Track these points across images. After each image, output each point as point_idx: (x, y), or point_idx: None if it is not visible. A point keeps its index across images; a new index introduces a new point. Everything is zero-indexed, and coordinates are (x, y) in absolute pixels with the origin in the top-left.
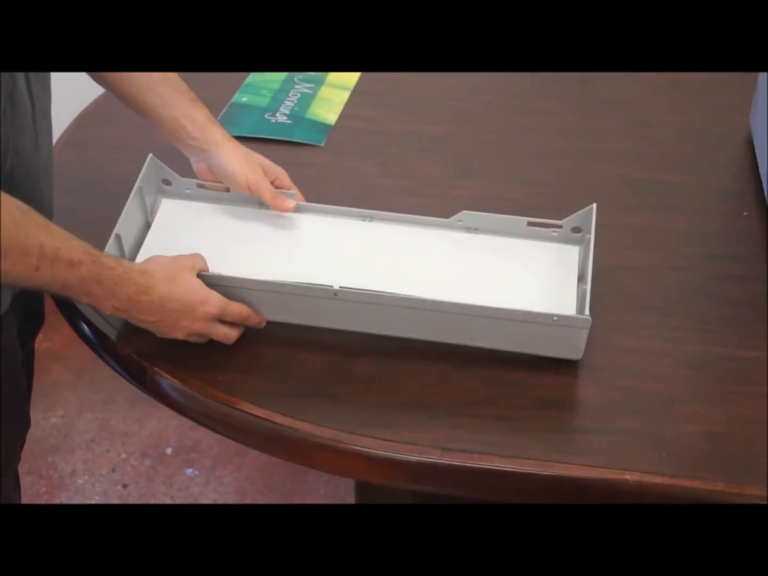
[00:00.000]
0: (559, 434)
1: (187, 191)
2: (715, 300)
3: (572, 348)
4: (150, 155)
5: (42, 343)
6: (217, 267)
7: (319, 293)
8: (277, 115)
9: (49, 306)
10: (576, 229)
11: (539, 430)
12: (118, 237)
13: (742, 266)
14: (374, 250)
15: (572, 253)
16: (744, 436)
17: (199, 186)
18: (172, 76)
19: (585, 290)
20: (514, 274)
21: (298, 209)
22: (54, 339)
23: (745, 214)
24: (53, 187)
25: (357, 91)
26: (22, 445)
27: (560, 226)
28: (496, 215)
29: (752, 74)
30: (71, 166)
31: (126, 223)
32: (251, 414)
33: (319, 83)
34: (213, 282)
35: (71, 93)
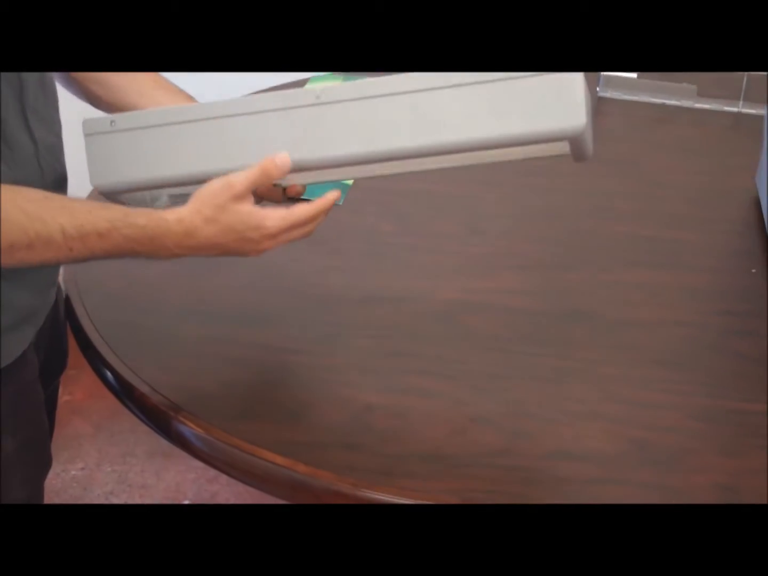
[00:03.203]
0: (572, 485)
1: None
2: (723, 355)
3: (569, 108)
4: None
5: (62, 396)
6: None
7: (301, 100)
8: None
9: (70, 360)
10: None
11: (553, 481)
12: None
13: (750, 322)
14: None
15: None
16: (752, 487)
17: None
18: (158, 77)
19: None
20: None
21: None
22: (74, 392)
23: (753, 271)
24: None
25: None
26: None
27: None
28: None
29: (758, 136)
30: None
31: None
32: (273, 463)
33: None
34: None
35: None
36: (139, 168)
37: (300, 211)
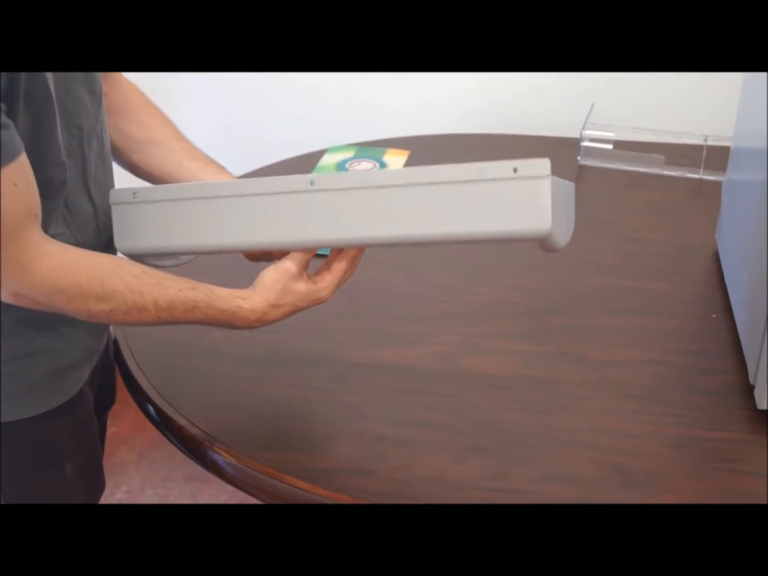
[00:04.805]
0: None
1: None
2: (690, 389)
3: (537, 212)
4: None
5: (110, 428)
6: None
7: (295, 186)
8: None
9: (117, 395)
10: None
11: (543, 501)
12: None
13: (712, 360)
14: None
15: None
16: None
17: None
18: (192, 148)
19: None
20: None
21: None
22: (120, 424)
23: (713, 316)
24: None
25: None
26: None
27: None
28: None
29: (717, 199)
30: None
31: None
32: (296, 487)
33: None
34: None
35: None
36: (155, 237)
37: (340, 266)
